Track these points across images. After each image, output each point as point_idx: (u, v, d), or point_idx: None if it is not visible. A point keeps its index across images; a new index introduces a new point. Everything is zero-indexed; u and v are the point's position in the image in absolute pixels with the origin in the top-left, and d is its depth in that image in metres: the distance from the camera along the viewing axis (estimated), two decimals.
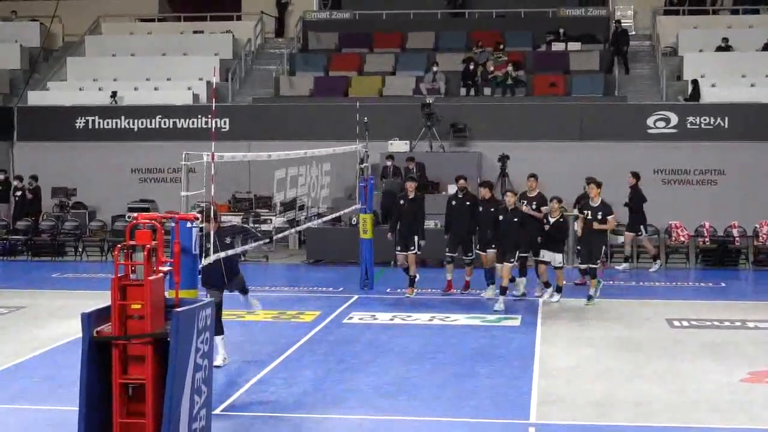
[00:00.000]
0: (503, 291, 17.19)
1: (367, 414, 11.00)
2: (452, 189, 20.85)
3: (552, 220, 17.92)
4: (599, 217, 17.63)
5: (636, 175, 22.25)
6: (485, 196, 18.26)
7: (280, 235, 18.26)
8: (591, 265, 17.81)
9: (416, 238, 18.39)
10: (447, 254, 18.79)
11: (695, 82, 28.65)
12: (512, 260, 17.17)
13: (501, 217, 17.37)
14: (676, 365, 13.21)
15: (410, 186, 18.78)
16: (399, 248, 18.63)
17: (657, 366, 13.17)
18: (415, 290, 18.68)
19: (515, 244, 17.17)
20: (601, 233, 18.09)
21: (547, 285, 18.20)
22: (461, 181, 18.84)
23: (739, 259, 22.94)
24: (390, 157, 25.84)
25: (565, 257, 19.02)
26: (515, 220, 17.24)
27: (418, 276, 18.74)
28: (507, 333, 15.38)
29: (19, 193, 26.88)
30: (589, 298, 17.77)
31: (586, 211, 17.91)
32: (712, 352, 13.98)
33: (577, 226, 18.18)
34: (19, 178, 27.32)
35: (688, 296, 19.43)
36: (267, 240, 14.83)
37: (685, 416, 10.87)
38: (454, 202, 18.73)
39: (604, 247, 18.77)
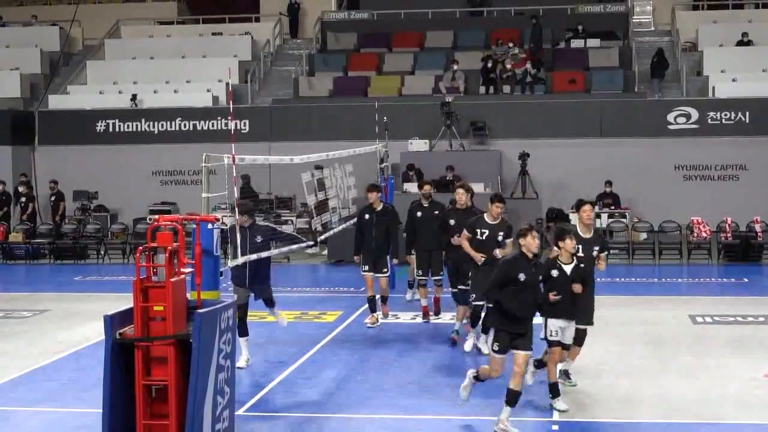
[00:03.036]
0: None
1: (391, 413, 10.98)
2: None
3: (568, 269, 10.91)
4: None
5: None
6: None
7: (322, 237, 18.11)
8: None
9: (388, 257, 15.49)
10: (418, 277, 15.62)
11: (660, 52, 28.69)
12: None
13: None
14: (700, 361, 13.14)
15: (373, 196, 15.33)
16: (366, 268, 15.35)
17: (681, 362, 13.11)
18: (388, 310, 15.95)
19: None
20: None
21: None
22: (426, 187, 15.68)
23: (762, 255, 22.86)
24: (411, 166, 25.57)
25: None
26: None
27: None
28: None
29: (23, 199, 26.99)
30: (568, 375, 12.09)
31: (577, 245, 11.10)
32: (735, 347, 13.91)
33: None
34: (26, 184, 27.45)
35: (710, 292, 19.34)
36: (312, 243, 14.58)
37: (710, 412, 10.81)
38: (419, 213, 15.35)
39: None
